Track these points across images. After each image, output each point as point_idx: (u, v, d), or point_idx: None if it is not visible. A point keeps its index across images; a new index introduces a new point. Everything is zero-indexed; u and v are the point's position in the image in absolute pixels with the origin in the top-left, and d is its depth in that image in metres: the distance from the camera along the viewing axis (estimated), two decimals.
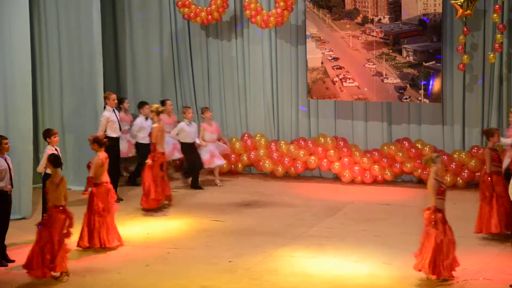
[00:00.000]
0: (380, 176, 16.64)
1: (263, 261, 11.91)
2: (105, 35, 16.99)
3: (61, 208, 11.31)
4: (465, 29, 15.54)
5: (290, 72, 17.30)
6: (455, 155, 16.14)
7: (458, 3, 15.28)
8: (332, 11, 16.62)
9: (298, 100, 17.33)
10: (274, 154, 17.23)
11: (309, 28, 16.80)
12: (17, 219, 13.63)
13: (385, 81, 16.40)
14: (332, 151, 16.88)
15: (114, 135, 15.40)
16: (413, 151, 16.40)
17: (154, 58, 18.14)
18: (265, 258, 12.04)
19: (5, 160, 11.90)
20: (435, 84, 16.06)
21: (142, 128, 16.14)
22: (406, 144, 16.52)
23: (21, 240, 12.53)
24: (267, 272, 11.44)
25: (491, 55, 15.45)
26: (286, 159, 17.12)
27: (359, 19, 16.44)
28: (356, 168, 16.67)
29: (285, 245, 12.66)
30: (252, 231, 13.51)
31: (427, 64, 16.06)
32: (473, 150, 16.03)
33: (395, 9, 16.16)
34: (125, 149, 16.48)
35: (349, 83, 16.64)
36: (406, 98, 16.33)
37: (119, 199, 15.17)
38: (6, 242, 12.05)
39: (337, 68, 16.70)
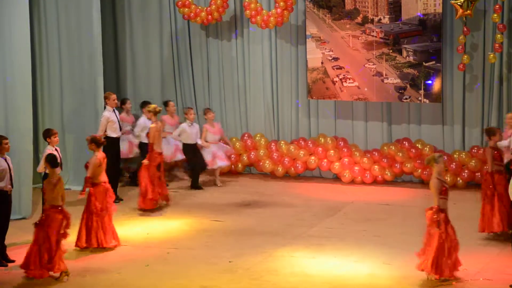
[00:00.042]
0: (380, 176, 16.64)
1: (263, 261, 11.91)
2: (105, 35, 16.99)
3: (58, 208, 11.30)
4: (465, 29, 15.54)
5: (290, 72, 17.30)
6: (455, 155, 16.14)
7: (458, 3, 15.29)
8: (332, 11, 16.62)
9: (298, 100, 17.31)
10: (274, 154, 17.23)
11: (309, 28, 16.80)
12: (17, 219, 13.63)
13: (385, 81, 16.40)
14: (332, 151, 16.88)
15: (114, 135, 15.41)
16: (413, 151, 16.40)
17: (154, 58, 18.14)
18: (265, 258, 12.03)
19: (5, 160, 11.90)
20: (435, 84, 16.06)
21: (146, 127, 16.06)
22: (406, 144, 16.52)
23: (21, 240, 12.52)
24: (267, 272, 11.43)
25: (491, 55, 15.46)
26: (286, 159, 17.12)
27: (359, 19, 16.44)
28: (356, 168, 16.67)
29: (285, 245, 12.66)
30: (252, 231, 13.51)
31: (427, 64, 16.06)
32: (473, 150, 16.02)
33: (395, 9, 16.16)
34: (126, 149, 16.45)
35: (349, 83, 16.64)
36: (406, 98, 16.33)
37: (119, 199, 15.24)
38: (6, 242, 12.05)
39: (337, 68, 16.70)
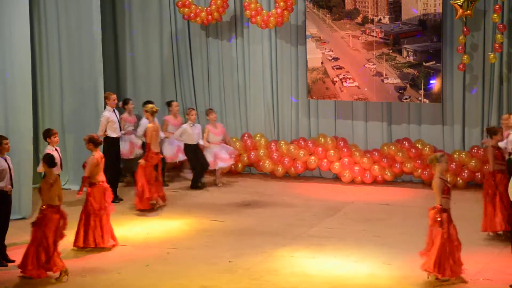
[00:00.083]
0: (380, 176, 16.64)
1: (263, 261, 11.90)
2: (105, 35, 16.99)
3: (55, 208, 11.30)
4: (465, 29, 15.54)
5: (290, 72, 17.30)
6: (455, 155, 16.14)
7: (458, 3, 15.29)
8: (332, 11, 16.62)
9: (298, 100, 17.32)
10: (274, 154, 17.23)
11: (309, 28, 16.80)
12: (17, 219, 13.62)
13: (385, 81, 16.40)
14: (332, 151, 16.88)
15: (114, 135, 15.42)
16: (413, 151, 16.40)
17: (154, 58, 18.14)
18: (265, 258, 12.03)
19: (5, 160, 11.90)
20: (435, 84, 16.07)
21: None
22: (406, 144, 16.52)
23: (21, 240, 12.50)
24: (267, 272, 11.43)
25: (491, 55, 15.46)
26: (286, 159, 17.12)
27: (359, 19, 16.44)
28: (356, 168, 16.68)
29: (285, 245, 12.66)
30: (252, 231, 13.51)
31: (427, 64, 16.06)
32: (473, 150, 16.03)
33: (395, 9, 16.16)
34: (126, 150, 16.43)
35: (349, 83, 16.64)
36: (406, 98, 16.33)
37: (119, 199, 15.23)
38: (6, 242, 12.05)
39: (337, 68, 16.70)
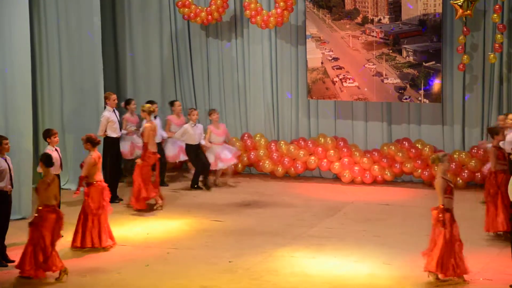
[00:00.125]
0: (380, 176, 16.64)
1: (263, 261, 11.90)
2: (105, 35, 16.99)
3: (51, 207, 11.30)
4: (465, 29, 15.54)
5: (290, 72, 17.30)
6: (455, 155, 16.13)
7: (458, 3, 15.29)
8: (332, 11, 16.62)
9: (298, 100, 17.34)
10: (274, 154, 17.23)
11: (309, 28, 16.80)
12: (17, 219, 13.61)
13: (385, 81, 16.40)
14: (332, 151, 16.88)
15: (114, 135, 15.41)
16: (413, 151, 16.40)
17: (154, 58, 18.14)
18: (265, 258, 12.03)
19: (5, 160, 11.91)
20: (435, 84, 16.07)
21: None
22: (406, 144, 16.52)
23: (21, 240, 12.45)
24: (267, 272, 11.43)
25: (491, 55, 15.46)
26: (286, 159, 17.12)
27: (359, 19, 16.44)
28: (356, 168, 16.67)
29: (285, 245, 12.66)
30: (252, 231, 13.51)
31: (427, 64, 16.06)
32: (473, 150, 16.02)
33: (395, 9, 16.16)
34: (127, 150, 16.40)
35: (349, 83, 16.64)
36: (406, 98, 16.33)
37: (118, 199, 15.22)
38: (6, 242, 12.05)
39: (337, 68, 16.71)
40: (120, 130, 15.64)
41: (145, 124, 14.90)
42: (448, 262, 10.69)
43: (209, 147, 16.28)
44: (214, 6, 16.87)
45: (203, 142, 16.30)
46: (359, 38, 16.47)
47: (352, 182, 16.77)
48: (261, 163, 17.27)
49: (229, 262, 11.85)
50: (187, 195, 16.03)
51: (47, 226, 11.22)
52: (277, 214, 14.55)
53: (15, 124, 14.15)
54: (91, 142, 12.82)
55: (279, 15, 16.50)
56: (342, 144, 16.92)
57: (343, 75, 16.65)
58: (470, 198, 14.95)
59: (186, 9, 17.09)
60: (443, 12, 15.85)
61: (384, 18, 16.27)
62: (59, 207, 12.65)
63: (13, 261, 11.79)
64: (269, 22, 16.58)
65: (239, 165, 17.42)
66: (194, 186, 16.41)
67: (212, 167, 16.34)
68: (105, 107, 15.60)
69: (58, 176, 12.90)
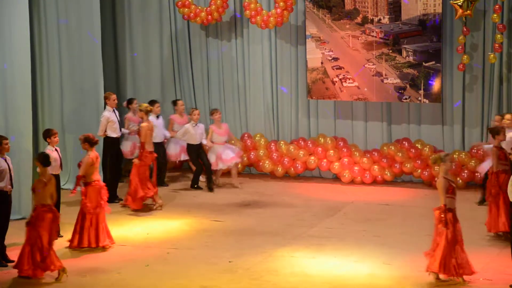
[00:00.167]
0: (379, 176, 16.64)
1: (263, 261, 11.91)
2: (105, 35, 16.99)
3: (47, 207, 11.30)
4: (465, 29, 15.55)
5: (290, 72, 17.30)
6: (455, 155, 16.13)
7: (458, 4, 15.29)
8: (332, 11, 16.63)
9: (298, 100, 17.34)
10: (274, 154, 17.23)
11: (309, 28, 16.80)
12: (17, 219, 13.59)
13: (385, 81, 16.41)
14: (331, 151, 16.89)
15: (114, 135, 15.42)
16: (413, 151, 16.40)
17: (154, 58, 18.14)
18: (265, 258, 12.04)
19: (5, 160, 11.91)
20: (435, 84, 16.07)
21: (154, 126, 16.06)
22: (406, 144, 16.52)
23: (21, 240, 12.45)
24: (267, 272, 11.43)
25: (491, 55, 15.46)
26: (285, 159, 17.12)
27: (359, 19, 16.44)
28: (356, 168, 16.68)
29: (285, 245, 12.66)
30: (252, 231, 13.51)
31: (427, 64, 16.06)
32: (473, 150, 16.02)
33: (395, 9, 16.16)
34: (128, 150, 16.39)
35: (349, 83, 16.64)
36: (406, 98, 16.34)
37: (118, 199, 15.22)
38: (6, 242, 12.05)
39: (337, 68, 16.71)
40: (120, 130, 15.63)
41: (142, 123, 14.90)
42: (450, 263, 10.68)
43: (211, 147, 16.27)
44: (214, 6, 16.87)
45: (204, 142, 16.30)
46: (359, 38, 16.48)
47: (352, 182, 16.77)
48: (261, 163, 17.27)
49: (229, 262, 11.85)
50: (187, 195, 16.03)
51: (44, 225, 11.23)
52: (277, 214, 14.55)
53: (15, 124, 14.15)
54: (88, 142, 12.82)
55: (279, 15, 16.50)
56: (342, 144, 16.92)
57: (343, 75, 16.65)
58: (470, 198, 14.96)
59: (186, 9, 17.09)
60: (443, 12, 15.84)
61: (384, 18, 16.27)
62: (59, 207, 12.71)
63: (13, 261, 11.78)
64: (269, 22, 16.58)
65: (239, 165, 17.41)
66: (194, 186, 16.41)
67: (213, 167, 16.32)
68: (105, 107, 15.60)
69: (58, 176, 12.94)
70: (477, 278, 10.91)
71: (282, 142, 17.26)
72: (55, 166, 12.75)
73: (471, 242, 12.04)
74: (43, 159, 11.55)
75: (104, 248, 12.58)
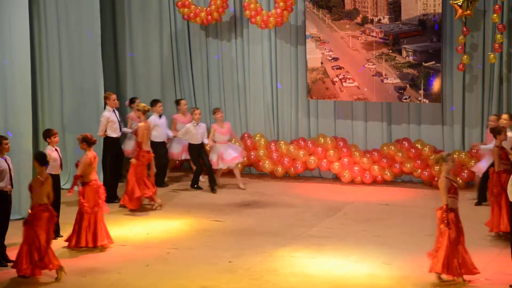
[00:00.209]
0: (379, 176, 16.64)
1: (263, 261, 11.91)
2: (105, 35, 16.99)
3: (43, 206, 11.30)
4: (465, 29, 15.55)
5: (290, 72, 17.30)
6: (455, 155, 16.12)
7: (458, 4, 15.29)
8: (332, 11, 16.63)
9: (298, 100, 17.34)
10: (274, 154, 17.23)
11: (309, 28, 16.80)
12: (17, 219, 13.59)
13: (385, 81, 16.41)
14: (331, 151, 16.89)
15: (114, 135, 15.41)
16: (413, 151, 16.40)
17: (154, 58, 18.14)
18: (265, 258, 12.04)
19: (5, 160, 11.91)
20: (435, 84, 16.07)
21: (156, 126, 16.06)
22: (406, 144, 16.52)
23: (21, 240, 12.50)
24: (267, 272, 11.44)
25: (491, 55, 15.46)
26: (285, 159, 17.12)
27: (358, 19, 16.44)
28: (356, 168, 16.68)
29: (285, 245, 12.66)
30: (252, 231, 13.52)
31: (427, 64, 16.06)
32: (473, 151, 16.01)
33: (395, 9, 16.17)
34: (130, 149, 16.37)
35: (349, 83, 16.64)
36: (406, 98, 16.34)
37: (118, 199, 15.21)
38: (6, 242, 12.06)
39: (337, 68, 16.71)
40: (120, 130, 15.62)
41: (139, 123, 14.91)
42: (453, 263, 10.67)
43: (213, 146, 16.25)
44: (214, 6, 16.87)
45: (206, 141, 16.29)
46: (359, 38, 16.48)
47: (352, 182, 16.77)
48: (261, 163, 17.27)
49: (229, 262, 11.85)
50: (187, 195, 16.03)
51: (41, 224, 11.24)
52: (277, 214, 14.55)
53: (15, 124, 14.15)
54: (86, 141, 12.84)
55: (278, 15, 16.50)
56: (342, 144, 16.92)
57: (343, 75, 16.65)
58: (470, 198, 14.95)
59: (186, 9, 17.09)
60: (442, 12, 15.84)
61: (384, 18, 16.27)
62: (59, 207, 12.71)
63: (13, 261, 11.78)
64: (268, 22, 16.58)
65: (239, 165, 17.40)
66: (194, 186, 16.41)
67: (214, 166, 16.31)
68: (105, 107, 15.60)
69: (58, 176, 12.95)
70: (477, 278, 10.91)
71: (282, 142, 17.26)
72: (55, 166, 12.76)
73: (471, 242, 12.02)
74: (40, 158, 11.55)
75: (103, 248, 12.59)
